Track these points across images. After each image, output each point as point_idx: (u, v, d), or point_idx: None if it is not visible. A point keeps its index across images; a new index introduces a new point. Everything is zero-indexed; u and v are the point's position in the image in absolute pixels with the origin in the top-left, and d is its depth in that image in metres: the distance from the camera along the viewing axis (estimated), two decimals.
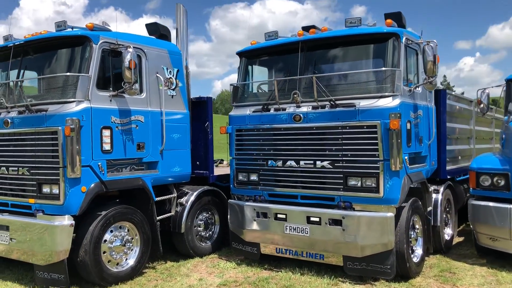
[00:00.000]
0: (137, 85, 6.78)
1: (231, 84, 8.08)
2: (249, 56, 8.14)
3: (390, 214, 6.47)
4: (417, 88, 7.20)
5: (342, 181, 6.76)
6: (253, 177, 7.65)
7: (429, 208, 7.82)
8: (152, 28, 8.59)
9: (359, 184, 6.67)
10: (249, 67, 8.22)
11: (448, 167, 8.65)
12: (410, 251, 6.75)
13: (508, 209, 7.04)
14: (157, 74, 7.54)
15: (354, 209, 6.71)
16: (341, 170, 6.77)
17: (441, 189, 8.35)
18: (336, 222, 6.75)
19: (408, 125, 6.86)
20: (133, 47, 6.98)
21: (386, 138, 6.41)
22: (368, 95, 6.69)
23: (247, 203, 7.64)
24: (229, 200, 8.01)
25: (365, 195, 6.61)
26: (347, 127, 6.72)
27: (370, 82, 6.83)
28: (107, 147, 6.68)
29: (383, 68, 6.73)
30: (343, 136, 6.75)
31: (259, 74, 8.44)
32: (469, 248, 8.53)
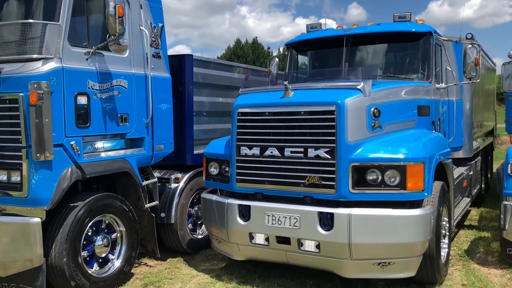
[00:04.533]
0: None
1: None
2: None
3: (36, 220, 4.79)
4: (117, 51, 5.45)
5: None
6: None
7: (153, 203, 6.27)
8: None
9: (5, 179, 4.94)
10: None
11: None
12: (78, 265, 5.12)
13: (225, 204, 5.61)
14: None
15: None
16: None
17: (185, 178, 6.85)
18: None
19: (83, 99, 5.16)
20: None
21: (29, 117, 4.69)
22: (15, 57, 4.90)
23: None
24: None
25: (11, 194, 4.89)
26: None
27: (22, 39, 5.00)
28: None
29: (30, 20, 4.94)
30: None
31: None
32: None
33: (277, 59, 8.21)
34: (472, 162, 8.62)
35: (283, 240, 5.21)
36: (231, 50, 63.25)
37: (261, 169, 5.35)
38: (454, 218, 6.67)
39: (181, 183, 6.72)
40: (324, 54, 7.55)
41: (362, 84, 5.12)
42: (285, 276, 5.83)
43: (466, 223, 8.92)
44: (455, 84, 7.07)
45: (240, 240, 5.52)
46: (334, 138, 4.92)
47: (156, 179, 6.28)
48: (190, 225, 6.99)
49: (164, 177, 6.85)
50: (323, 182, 4.99)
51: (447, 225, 5.97)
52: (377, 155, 4.93)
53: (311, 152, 5.04)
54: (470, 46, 6.63)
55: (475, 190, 9.00)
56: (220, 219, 5.66)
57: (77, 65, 5.07)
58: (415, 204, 5.05)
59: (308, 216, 5.03)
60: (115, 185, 6.09)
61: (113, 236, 5.65)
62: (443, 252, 5.81)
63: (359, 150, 4.96)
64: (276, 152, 5.24)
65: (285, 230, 5.15)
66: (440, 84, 7.02)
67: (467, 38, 8.14)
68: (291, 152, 5.15)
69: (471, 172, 8.49)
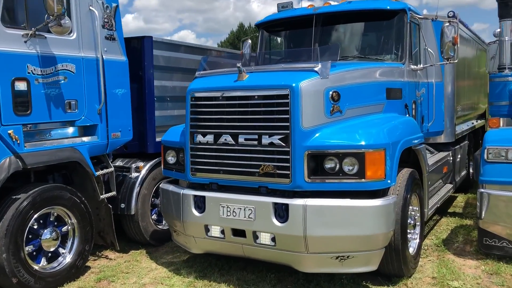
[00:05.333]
0: None
1: None
2: None
3: None
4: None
5: None
6: None
7: (110, 193, 5.96)
8: None
9: None
10: None
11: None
12: (21, 260, 4.78)
13: (180, 195, 5.29)
14: None
15: None
16: None
17: (146, 167, 6.54)
18: None
19: (22, 84, 4.81)
20: None
21: None
22: None
23: None
24: None
25: None
26: None
27: None
28: None
29: None
30: None
31: None
32: None
33: (249, 41, 7.83)
34: (456, 147, 8.26)
35: (239, 233, 4.92)
36: (234, 34, 62.33)
37: (216, 158, 5.03)
38: (430, 206, 6.33)
39: (142, 172, 6.42)
40: (296, 34, 7.15)
41: (319, 65, 4.75)
42: (247, 269, 5.54)
43: (451, 210, 8.61)
44: (431, 65, 6.67)
45: (196, 232, 5.23)
46: (288, 124, 4.57)
47: (112, 169, 5.98)
48: (154, 216, 6.71)
49: (125, 166, 6.55)
50: (278, 171, 4.66)
51: (418, 214, 5.65)
52: (334, 141, 4.58)
53: (265, 139, 4.70)
54: (448, 24, 6.24)
55: (460, 176, 8.65)
56: (176, 210, 5.36)
57: (13, 48, 4.73)
58: (378, 193, 4.73)
59: (262, 207, 4.72)
60: (72, 176, 5.82)
61: (64, 229, 5.37)
62: (413, 243, 5.51)
63: (315, 137, 4.61)
64: (230, 139, 4.91)
65: (240, 222, 4.84)
66: (417, 65, 6.64)
67: (448, 16, 7.72)
68: (245, 139, 4.82)
69: (455, 158, 8.14)
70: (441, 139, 7.77)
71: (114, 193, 5.99)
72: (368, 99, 5.35)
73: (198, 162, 5.15)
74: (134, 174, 6.41)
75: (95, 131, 5.69)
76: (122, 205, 6.26)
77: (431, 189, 6.75)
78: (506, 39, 7.40)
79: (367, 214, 4.53)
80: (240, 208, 4.83)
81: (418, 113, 6.75)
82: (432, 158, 6.86)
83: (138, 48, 6.39)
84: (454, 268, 5.57)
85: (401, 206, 4.91)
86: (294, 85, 4.56)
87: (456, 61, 6.74)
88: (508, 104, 6.85)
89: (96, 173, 5.66)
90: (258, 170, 4.76)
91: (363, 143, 4.52)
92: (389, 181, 4.68)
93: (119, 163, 6.64)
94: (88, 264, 5.89)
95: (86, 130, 5.62)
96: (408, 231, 5.31)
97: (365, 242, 4.58)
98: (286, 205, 4.60)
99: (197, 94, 5.13)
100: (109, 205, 5.89)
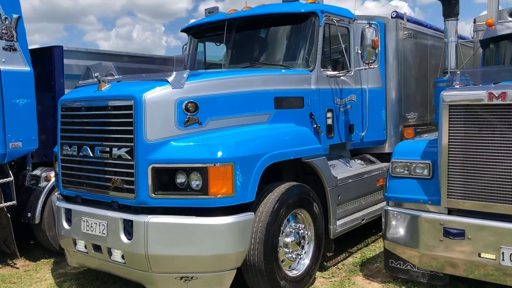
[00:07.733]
0: None
1: None
2: None
3: None
4: None
5: None
6: None
7: (10, 203, 5.98)
8: None
9: None
10: None
11: None
12: None
13: (55, 207, 5.22)
14: None
15: None
16: None
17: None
18: None
19: None
20: None
21: None
22: None
23: None
24: None
25: None
26: None
27: None
28: None
29: None
30: None
31: None
32: None
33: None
34: None
35: (98, 248, 4.77)
36: None
37: (79, 170, 4.91)
38: (345, 222, 5.84)
39: (51, 182, 6.42)
40: (220, 40, 6.89)
41: (173, 75, 4.51)
42: (129, 284, 5.37)
43: None
44: (348, 71, 6.18)
45: (67, 245, 5.14)
46: (132, 136, 4.37)
47: (11, 178, 5.99)
48: None
49: (39, 175, 6.58)
50: (125, 186, 4.46)
51: (309, 232, 5.21)
52: (179, 155, 4.32)
53: (115, 152, 4.52)
54: (368, 26, 5.78)
55: None
56: (55, 222, 5.31)
57: None
58: (249, 208, 4.45)
59: (113, 223, 4.54)
60: None
61: None
62: (300, 265, 5.10)
63: (162, 150, 4.37)
64: (88, 152, 4.77)
65: (96, 237, 4.69)
66: (341, 71, 6.20)
67: (392, 17, 7.20)
68: (99, 151, 4.66)
69: None
70: (384, 149, 7.22)
71: (13, 202, 6.01)
72: (243, 109, 4.98)
73: (66, 174, 5.06)
74: (42, 183, 6.43)
75: None
76: (29, 214, 6.28)
77: (357, 204, 6.26)
78: (451, 40, 6.74)
79: (211, 232, 4.23)
80: (96, 223, 4.68)
81: (341, 122, 6.28)
82: (354, 171, 6.34)
83: (48, 58, 6.41)
84: None
85: (267, 223, 4.54)
86: (136, 96, 4.34)
87: (376, 66, 6.26)
88: None
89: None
90: (110, 184, 4.59)
91: (207, 157, 4.23)
92: (245, 196, 4.36)
93: (36, 171, 6.69)
94: None
95: None
96: (288, 250, 4.94)
97: (210, 263, 4.28)
98: (131, 222, 4.39)
99: (64, 105, 5.04)
100: (8, 214, 5.93)
